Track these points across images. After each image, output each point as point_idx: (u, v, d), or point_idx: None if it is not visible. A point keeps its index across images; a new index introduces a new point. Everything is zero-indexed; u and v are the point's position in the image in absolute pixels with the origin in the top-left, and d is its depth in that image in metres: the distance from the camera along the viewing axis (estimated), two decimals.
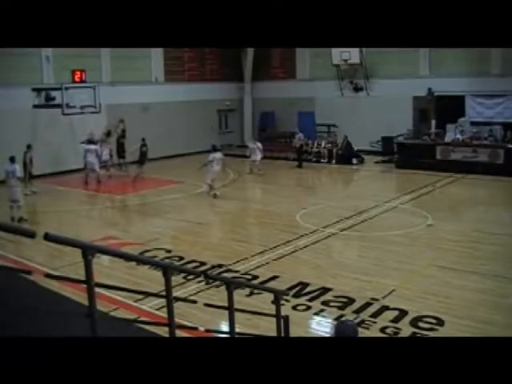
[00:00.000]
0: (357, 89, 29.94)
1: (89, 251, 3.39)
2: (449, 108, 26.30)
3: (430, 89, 27.02)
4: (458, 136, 24.95)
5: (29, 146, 19.50)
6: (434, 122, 27.37)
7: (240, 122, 33.96)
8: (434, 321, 8.72)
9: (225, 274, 10.74)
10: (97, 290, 3.49)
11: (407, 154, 24.92)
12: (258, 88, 33.39)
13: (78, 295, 6.26)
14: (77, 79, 23.30)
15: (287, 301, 9.29)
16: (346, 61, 28.80)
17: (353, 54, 28.33)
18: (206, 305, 6.03)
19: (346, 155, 26.86)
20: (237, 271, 11.26)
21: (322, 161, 27.43)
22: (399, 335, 8.27)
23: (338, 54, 28.52)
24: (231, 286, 5.34)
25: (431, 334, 8.26)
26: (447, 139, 25.14)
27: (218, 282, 9.43)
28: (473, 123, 26.20)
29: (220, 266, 11.57)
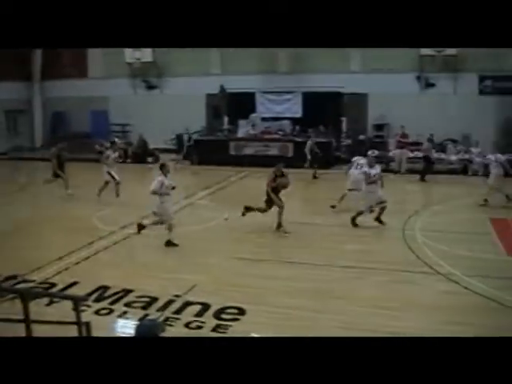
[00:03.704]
0: (150, 87, 29.94)
1: None
2: (241, 104, 27.26)
3: (222, 86, 27.77)
4: (251, 131, 25.99)
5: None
6: (226, 119, 28.19)
7: (30, 124, 32.24)
8: (235, 311, 9.00)
9: (21, 286, 10.15)
10: None
11: (202, 151, 25.43)
12: (48, 87, 31.88)
13: None
14: None
15: (88, 306, 9.05)
16: (138, 59, 28.66)
17: (145, 52, 28.24)
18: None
19: (141, 154, 26.79)
20: (33, 281, 10.69)
21: (118, 160, 27.01)
22: (203, 328, 8.43)
23: (131, 52, 28.27)
24: (26, 296, 5.08)
25: (234, 324, 8.53)
26: (240, 135, 26.08)
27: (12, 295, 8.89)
28: (264, 119, 27.45)
29: (14, 277, 10.88)
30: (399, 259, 11.78)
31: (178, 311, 9.09)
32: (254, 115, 27.36)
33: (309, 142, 22.35)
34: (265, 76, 27.53)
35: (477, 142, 23.80)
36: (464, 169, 23.37)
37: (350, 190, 16.00)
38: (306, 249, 12.56)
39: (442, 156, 23.94)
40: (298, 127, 26.63)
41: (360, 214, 14.27)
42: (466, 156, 23.81)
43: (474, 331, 8.04)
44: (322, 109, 26.24)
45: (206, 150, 25.31)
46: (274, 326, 8.33)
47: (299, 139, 25.06)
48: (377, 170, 14.49)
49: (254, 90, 28.08)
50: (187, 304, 9.34)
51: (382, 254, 12.18)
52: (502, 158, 17.14)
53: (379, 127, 27.01)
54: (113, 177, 17.79)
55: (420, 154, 23.45)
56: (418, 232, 13.77)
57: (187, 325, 8.60)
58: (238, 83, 27.11)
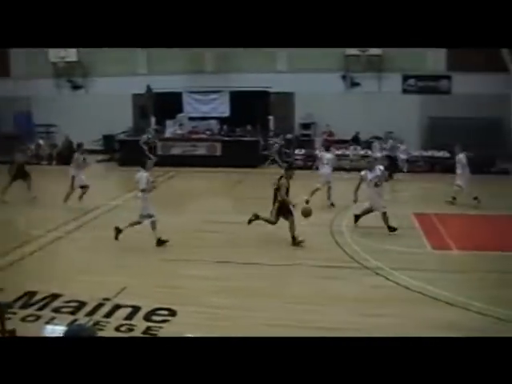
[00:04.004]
0: (75, 87, 29.38)
1: None
2: (168, 104, 27.12)
3: (148, 86, 27.52)
4: (178, 131, 25.89)
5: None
6: (153, 119, 27.97)
7: None
8: (166, 312, 8.95)
9: None
10: None
11: (129, 152, 25.10)
12: None
13: None
14: None
15: (14, 313, 8.78)
16: (63, 58, 28.07)
17: (70, 52, 27.68)
18: None
19: (67, 155, 26.22)
20: None
21: (43, 162, 26.53)
22: (134, 331, 8.34)
23: (56, 51, 27.63)
24: None
25: (165, 326, 8.47)
26: (167, 135, 25.95)
27: None
28: (191, 118, 27.40)
29: None
30: (327, 255, 11.99)
31: (108, 315, 8.95)
32: (181, 115, 27.28)
33: (276, 145, 22.51)
34: (191, 76, 27.49)
35: (401, 139, 24.51)
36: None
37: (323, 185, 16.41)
38: (235, 248, 12.62)
39: (369, 153, 24.47)
40: (225, 127, 26.71)
41: (386, 217, 13.69)
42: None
43: (399, 322, 8.38)
44: (250, 108, 26.42)
45: (133, 151, 24.96)
46: (205, 327, 8.34)
47: (227, 138, 25.21)
48: (376, 172, 13.83)
49: (180, 90, 27.99)
50: (117, 307, 9.21)
51: (311, 250, 12.36)
52: (463, 158, 17.04)
53: (306, 126, 27.41)
54: (72, 184, 17.00)
55: (347, 152, 24.00)
56: (345, 228, 14.05)
57: (117, 328, 8.49)
58: (164, 83, 26.94)
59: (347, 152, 24.21)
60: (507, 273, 10.91)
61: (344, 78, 26.97)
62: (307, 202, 15.65)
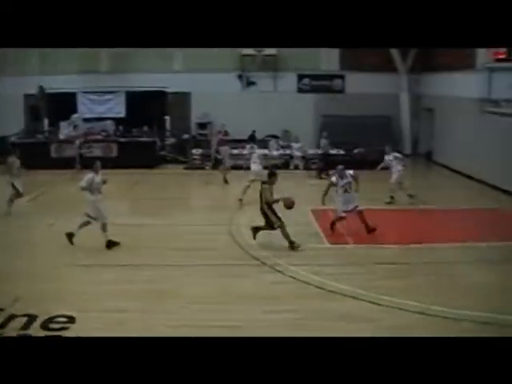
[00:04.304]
0: None
1: None
2: (61, 105, 26.35)
3: (41, 86, 26.65)
4: (72, 132, 25.22)
5: None
6: (46, 120, 27.10)
7: None
8: (64, 319, 8.70)
9: None
10: None
11: (22, 154, 24.16)
12: None
13: None
14: None
15: None
16: None
17: None
18: None
19: None
20: None
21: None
22: None
23: None
24: None
25: (64, 333, 8.24)
26: (61, 136, 25.23)
27: None
28: (86, 119, 26.79)
29: None
30: (227, 254, 12.08)
31: (2, 326, 8.56)
32: (75, 116, 26.58)
33: (225, 148, 22.31)
34: (86, 76, 26.87)
35: (296, 137, 25.05)
36: (285, 163, 24.40)
37: (253, 180, 16.63)
38: (135, 250, 12.46)
39: (265, 152, 24.76)
40: (121, 127, 26.33)
41: (340, 219, 13.55)
42: (288, 151, 24.90)
43: (301, 317, 8.66)
44: (146, 108, 26.24)
45: (25, 154, 24.01)
46: (104, 331, 8.14)
47: (123, 139, 24.88)
48: (348, 179, 13.41)
49: (74, 90, 27.30)
50: (11, 317, 8.82)
51: (211, 249, 12.39)
52: (399, 155, 17.42)
53: (202, 125, 27.48)
54: (17, 189, 15.73)
55: (244, 151, 24.18)
56: (242, 227, 14.15)
57: None
58: (57, 83, 26.20)
59: (244, 151, 24.34)
60: (399, 264, 11.44)
61: (240, 77, 27.25)
62: (240, 200, 16.67)
